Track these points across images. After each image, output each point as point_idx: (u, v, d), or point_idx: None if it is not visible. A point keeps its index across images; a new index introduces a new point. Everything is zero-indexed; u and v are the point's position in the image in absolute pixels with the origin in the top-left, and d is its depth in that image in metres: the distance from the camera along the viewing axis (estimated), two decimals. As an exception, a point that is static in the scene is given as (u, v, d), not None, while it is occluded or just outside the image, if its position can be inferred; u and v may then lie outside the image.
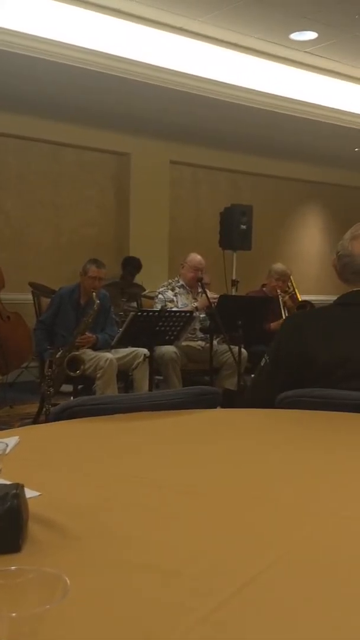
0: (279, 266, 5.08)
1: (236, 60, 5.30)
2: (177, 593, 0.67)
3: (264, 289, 5.13)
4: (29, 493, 0.83)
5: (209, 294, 4.21)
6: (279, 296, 4.77)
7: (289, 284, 5.05)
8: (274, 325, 4.54)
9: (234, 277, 6.01)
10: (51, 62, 4.60)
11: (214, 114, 5.84)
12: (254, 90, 5.56)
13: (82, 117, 5.91)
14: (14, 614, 0.46)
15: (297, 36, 4.95)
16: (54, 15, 4.39)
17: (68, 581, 0.51)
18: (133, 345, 4.05)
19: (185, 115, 5.88)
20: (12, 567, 0.53)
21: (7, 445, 0.97)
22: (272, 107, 5.75)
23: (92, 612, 0.61)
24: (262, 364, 1.70)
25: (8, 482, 0.84)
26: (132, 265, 6.08)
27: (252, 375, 3.46)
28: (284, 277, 5.02)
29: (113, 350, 4.06)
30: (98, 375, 3.86)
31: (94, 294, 4.03)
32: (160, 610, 0.63)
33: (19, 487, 0.78)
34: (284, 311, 4.80)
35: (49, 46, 4.51)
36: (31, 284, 4.96)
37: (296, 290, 5.05)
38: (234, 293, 5.84)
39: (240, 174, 7.55)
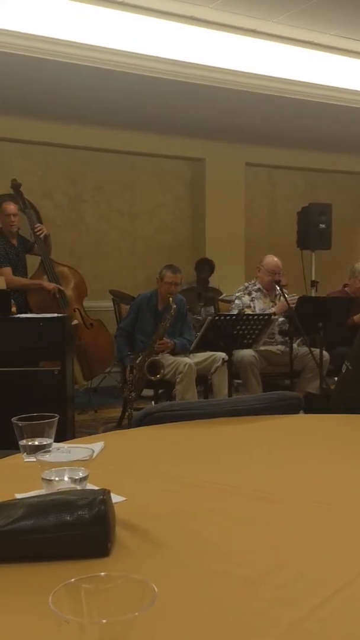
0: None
1: (312, 58, 5.22)
2: (263, 602, 0.66)
3: (346, 288, 4.98)
4: (115, 498, 0.85)
5: (287, 295, 4.13)
6: None
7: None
8: (357, 317, 4.37)
9: (313, 278, 5.89)
10: (125, 73, 4.72)
11: (289, 113, 5.76)
12: (331, 87, 5.47)
13: (157, 125, 6.00)
14: (104, 620, 0.47)
15: (373, 29, 4.80)
16: (126, 26, 4.50)
17: (156, 588, 0.52)
18: (211, 350, 4.05)
19: (259, 116, 5.84)
20: (102, 573, 0.55)
21: (93, 451, 1.01)
22: (351, 103, 5.61)
23: (179, 619, 0.62)
24: (343, 370, 1.66)
25: (95, 488, 0.87)
26: (205, 267, 6.11)
27: (336, 379, 3.35)
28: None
29: (191, 355, 4.09)
30: (177, 380, 3.89)
31: (170, 299, 4.08)
32: (247, 619, 0.63)
33: (105, 493, 0.80)
34: None
35: (122, 57, 4.63)
36: (111, 292, 5.08)
37: None
38: (313, 294, 5.72)
39: (318, 172, 7.39)
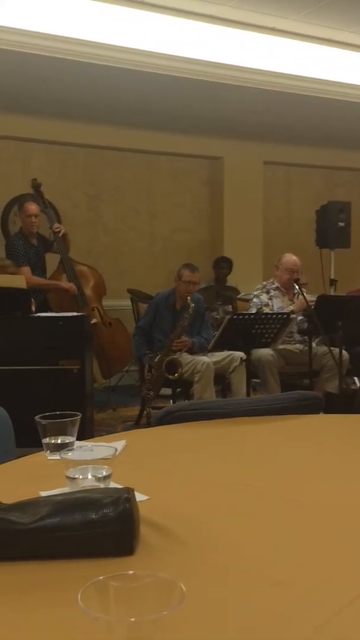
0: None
1: (331, 56, 5.18)
2: (287, 603, 0.66)
3: (366, 287, 4.94)
4: (139, 496, 0.86)
5: (307, 297, 4.11)
6: None
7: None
8: None
9: (332, 277, 5.85)
10: (143, 72, 4.73)
11: (308, 111, 5.73)
12: (351, 84, 5.43)
13: (175, 124, 6.00)
14: (132, 619, 0.48)
15: (393, 25, 4.75)
16: (144, 25, 4.50)
17: (184, 588, 0.52)
18: (229, 349, 4.04)
19: (278, 114, 5.81)
20: (130, 572, 0.55)
21: (116, 450, 1.01)
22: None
23: (203, 619, 0.62)
24: None
25: (119, 486, 0.88)
26: (223, 265, 6.10)
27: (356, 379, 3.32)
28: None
29: (209, 354, 4.08)
30: (195, 379, 3.89)
31: (188, 298, 4.08)
32: (272, 620, 0.63)
33: (130, 491, 0.80)
34: None
35: (140, 56, 4.63)
36: (129, 290, 5.09)
37: None
38: (332, 293, 5.68)
39: (337, 170, 7.34)
